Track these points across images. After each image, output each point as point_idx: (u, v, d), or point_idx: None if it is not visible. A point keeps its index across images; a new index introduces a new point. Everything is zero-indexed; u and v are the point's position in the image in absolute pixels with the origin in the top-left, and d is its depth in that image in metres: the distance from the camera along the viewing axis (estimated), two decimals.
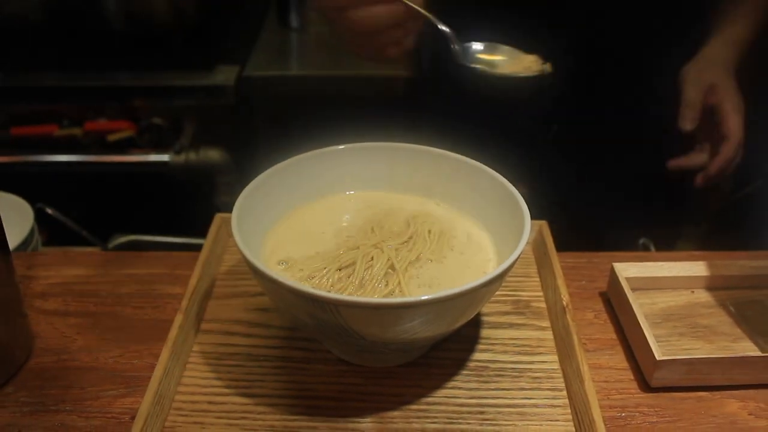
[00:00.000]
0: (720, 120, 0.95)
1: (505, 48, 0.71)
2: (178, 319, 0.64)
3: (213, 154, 1.59)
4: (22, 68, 1.60)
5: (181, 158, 1.57)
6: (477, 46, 0.71)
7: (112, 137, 1.59)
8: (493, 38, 0.71)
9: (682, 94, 0.96)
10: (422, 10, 0.69)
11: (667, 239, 1.53)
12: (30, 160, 1.57)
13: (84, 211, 1.47)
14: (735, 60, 0.98)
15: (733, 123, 0.94)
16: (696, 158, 0.99)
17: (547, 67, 0.70)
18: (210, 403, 0.60)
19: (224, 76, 1.55)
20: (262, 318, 0.68)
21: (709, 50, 0.98)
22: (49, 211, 1.20)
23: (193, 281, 0.68)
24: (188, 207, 1.43)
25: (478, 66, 0.69)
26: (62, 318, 0.70)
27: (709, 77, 0.96)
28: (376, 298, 0.57)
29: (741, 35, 0.99)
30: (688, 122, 0.96)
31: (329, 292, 0.59)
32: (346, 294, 0.59)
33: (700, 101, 0.95)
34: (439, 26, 0.70)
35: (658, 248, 1.09)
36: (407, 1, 0.68)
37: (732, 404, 0.62)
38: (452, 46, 0.70)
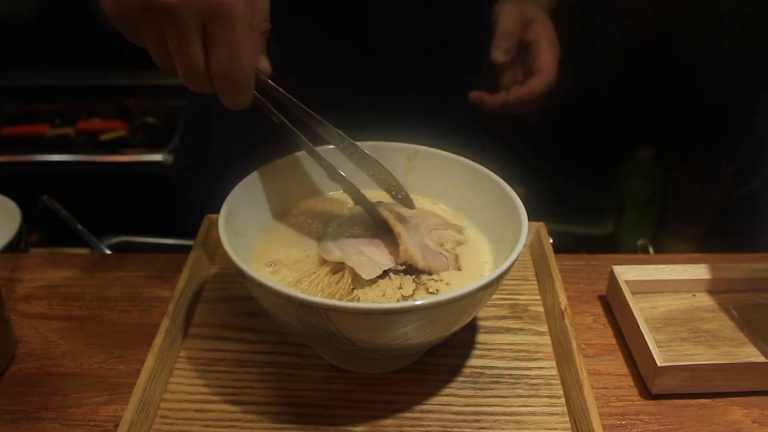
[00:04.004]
0: (535, 56, 0.87)
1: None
2: (165, 323, 0.62)
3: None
4: (13, 67, 1.58)
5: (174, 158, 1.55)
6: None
7: (104, 137, 1.58)
8: None
9: (497, 25, 0.87)
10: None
11: (665, 240, 1.52)
12: (21, 160, 1.55)
13: (76, 211, 1.46)
14: (550, 2, 0.92)
15: (548, 59, 0.87)
16: (499, 97, 0.89)
17: None
18: (197, 410, 0.58)
19: None
20: (251, 322, 0.67)
21: None
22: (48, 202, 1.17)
23: (180, 284, 0.66)
24: (182, 207, 1.42)
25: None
26: (46, 322, 0.69)
27: (527, 12, 0.89)
28: (367, 303, 0.55)
29: None
30: (501, 53, 0.87)
31: (318, 296, 0.57)
32: (337, 298, 0.57)
33: (517, 34, 0.88)
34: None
35: (657, 250, 1.08)
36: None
37: (735, 412, 0.60)
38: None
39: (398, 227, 0.62)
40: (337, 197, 0.71)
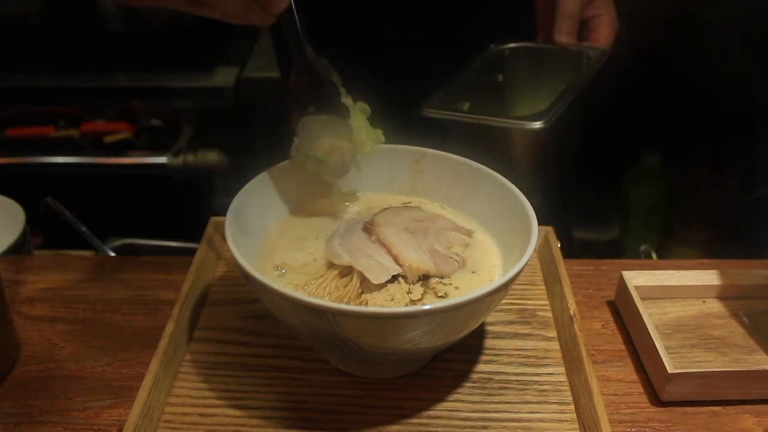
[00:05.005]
0: (592, 29, 0.90)
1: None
2: (170, 326, 0.61)
3: (211, 156, 1.56)
4: (18, 68, 1.58)
5: (179, 160, 1.55)
6: None
7: (109, 139, 1.58)
8: None
9: (558, 8, 0.90)
10: None
11: (671, 246, 1.52)
12: (25, 162, 1.55)
13: (80, 213, 1.45)
14: None
15: (606, 34, 0.90)
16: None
17: None
18: (201, 415, 0.57)
19: (223, 77, 1.53)
20: (257, 326, 0.66)
21: None
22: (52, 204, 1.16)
23: (185, 287, 0.66)
24: (186, 210, 1.41)
25: None
26: (50, 324, 0.68)
27: None
28: (375, 308, 0.55)
29: None
30: (564, 35, 0.90)
31: (326, 300, 0.56)
32: (345, 302, 0.56)
33: (579, 14, 0.90)
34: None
35: (663, 256, 1.07)
36: None
37: (746, 420, 0.59)
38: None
39: (394, 248, 0.60)
40: (345, 200, 0.70)
